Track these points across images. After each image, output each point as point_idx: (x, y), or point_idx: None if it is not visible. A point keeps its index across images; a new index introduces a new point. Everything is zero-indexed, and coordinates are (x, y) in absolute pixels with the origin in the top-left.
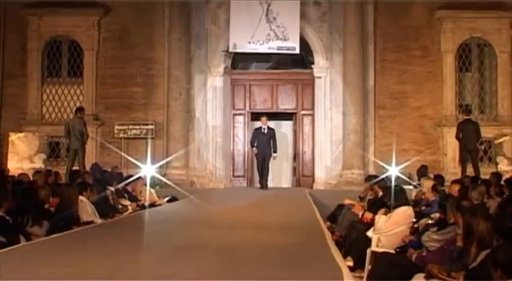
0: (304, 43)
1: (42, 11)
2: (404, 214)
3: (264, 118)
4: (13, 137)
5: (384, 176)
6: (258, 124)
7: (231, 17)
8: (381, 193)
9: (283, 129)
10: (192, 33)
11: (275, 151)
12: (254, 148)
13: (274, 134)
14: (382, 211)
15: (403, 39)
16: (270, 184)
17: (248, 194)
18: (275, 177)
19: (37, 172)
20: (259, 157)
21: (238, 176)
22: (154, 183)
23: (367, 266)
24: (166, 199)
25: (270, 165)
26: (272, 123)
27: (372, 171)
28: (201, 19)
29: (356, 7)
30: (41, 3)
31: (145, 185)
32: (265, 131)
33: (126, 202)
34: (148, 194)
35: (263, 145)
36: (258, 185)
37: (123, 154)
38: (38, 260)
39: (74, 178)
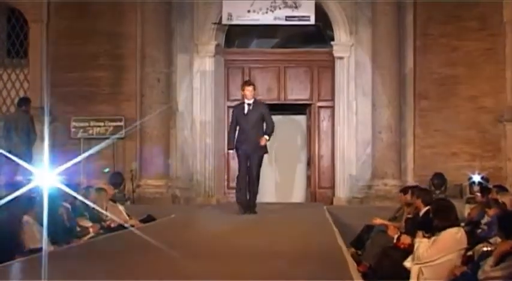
0: (321, 12)
1: None
2: (453, 238)
3: (249, 87)
4: None
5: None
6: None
7: None
8: (424, 210)
9: (294, 126)
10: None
11: (268, 132)
12: (232, 151)
13: (267, 112)
14: (423, 233)
15: (452, 6)
16: (273, 197)
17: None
18: (282, 189)
19: None
20: (242, 152)
21: (235, 188)
22: (124, 197)
23: None
24: (140, 218)
25: (260, 168)
26: (280, 119)
27: (410, 181)
28: None
29: None
30: None
31: (113, 200)
32: (251, 107)
33: (87, 223)
34: (116, 211)
35: (248, 133)
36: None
37: (82, 158)
38: None
39: (17, 191)
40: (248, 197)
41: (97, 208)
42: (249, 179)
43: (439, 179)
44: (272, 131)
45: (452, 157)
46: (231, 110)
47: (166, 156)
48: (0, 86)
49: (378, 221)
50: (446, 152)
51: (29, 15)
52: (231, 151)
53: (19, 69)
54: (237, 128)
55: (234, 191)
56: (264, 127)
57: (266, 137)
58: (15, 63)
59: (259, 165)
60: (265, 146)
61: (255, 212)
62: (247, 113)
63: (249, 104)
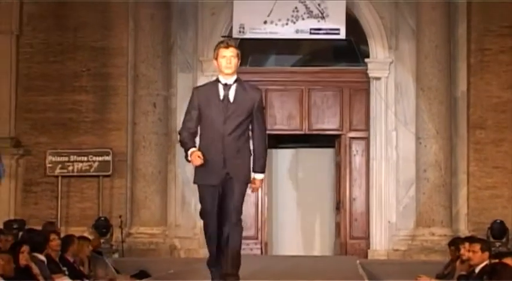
0: (353, 22)
1: None
2: None
3: (228, 51)
4: None
5: None
6: (277, 154)
7: None
8: (481, 266)
9: (320, 161)
10: (173, 6)
11: (260, 169)
12: (191, 151)
13: (261, 109)
14: None
15: None
16: (294, 249)
17: (262, 268)
18: (305, 239)
19: None
20: (210, 176)
21: (247, 238)
22: (111, 249)
23: None
24: (131, 274)
25: (242, 207)
26: (303, 153)
27: (464, 230)
28: None
29: None
30: None
31: (99, 252)
32: (230, 92)
33: (66, 280)
34: (101, 266)
35: (222, 140)
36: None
37: (60, 201)
38: None
39: None
40: (222, 259)
41: (78, 262)
42: (225, 229)
43: (499, 227)
44: (265, 157)
45: None
46: None
47: (163, 198)
48: None
49: (423, 279)
50: (508, 195)
51: None
52: (193, 149)
53: None
54: (201, 129)
55: (250, 241)
56: (251, 143)
57: (260, 178)
58: None
59: (241, 202)
60: (249, 172)
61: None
62: (223, 99)
63: (226, 85)
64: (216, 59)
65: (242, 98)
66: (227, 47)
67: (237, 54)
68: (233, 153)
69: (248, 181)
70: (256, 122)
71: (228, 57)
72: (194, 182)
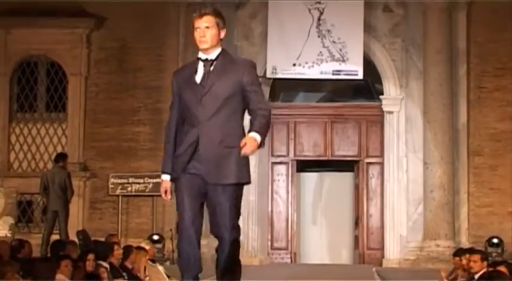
0: (369, 65)
1: (11, 22)
2: None
3: (202, 20)
4: None
5: None
6: (304, 177)
7: (269, 29)
8: (479, 273)
9: (341, 183)
10: None
11: (257, 126)
12: (162, 180)
13: (254, 79)
14: None
15: (508, 58)
16: (318, 258)
17: (292, 274)
18: (328, 250)
19: (1, 241)
20: (188, 179)
21: (279, 249)
22: (163, 257)
23: None
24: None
25: (239, 215)
26: (326, 176)
27: (465, 242)
28: (228, 32)
29: (442, 15)
30: (10, 12)
31: (153, 260)
32: (211, 69)
33: None
34: (155, 272)
35: (203, 129)
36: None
37: (121, 217)
38: None
39: (58, 250)
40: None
41: (136, 269)
42: (218, 246)
43: (495, 240)
44: (267, 123)
45: (509, 216)
46: (275, 167)
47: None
48: (38, 141)
49: None
50: (503, 212)
51: (69, 68)
52: (165, 178)
53: (57, 124)
54: (176, 116)
55: (282, 252)
56: (244, 119)
57: (254, 136)
58: (53, 118)
59: (237, 209)
60: (246, 164)
61: None
62: (202, 77)
63: (207, 61)
64: (195, 32)
65: (224, 72)
66: (201, 16)
67: (216, 24)
68: (214, 144)
69: (240, 179)
70: (253, 96)
71: (202, 29)
72: (171, 180)
